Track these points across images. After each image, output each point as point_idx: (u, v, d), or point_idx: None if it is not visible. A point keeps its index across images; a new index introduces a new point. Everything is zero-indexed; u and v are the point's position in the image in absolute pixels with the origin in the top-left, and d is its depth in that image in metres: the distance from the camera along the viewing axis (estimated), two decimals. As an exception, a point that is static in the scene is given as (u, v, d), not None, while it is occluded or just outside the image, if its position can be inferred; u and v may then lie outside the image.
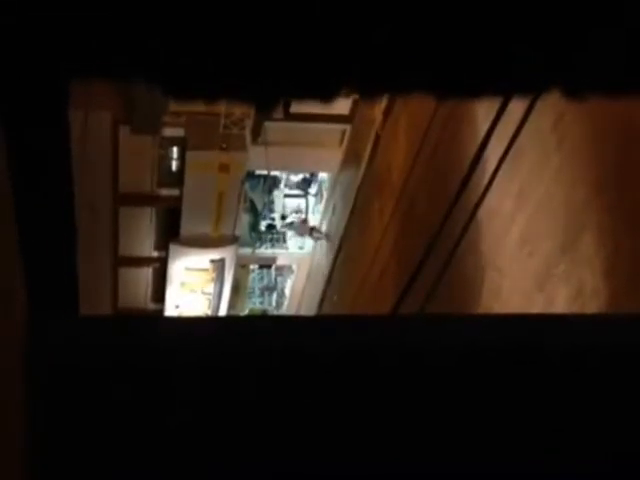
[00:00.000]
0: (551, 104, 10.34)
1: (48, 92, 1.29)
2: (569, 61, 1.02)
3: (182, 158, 19.64)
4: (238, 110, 18.86)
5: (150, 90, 1.02)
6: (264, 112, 15.63)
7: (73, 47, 0.94)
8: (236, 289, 23.91)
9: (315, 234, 22.71)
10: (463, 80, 1.00)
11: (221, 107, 18.58)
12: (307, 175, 24.24)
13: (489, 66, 1.00)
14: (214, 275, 22.32)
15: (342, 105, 19.32)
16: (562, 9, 1.01)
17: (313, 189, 24.01)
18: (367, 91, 1.04)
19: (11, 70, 1.01)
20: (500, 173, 11.69)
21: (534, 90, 1.12)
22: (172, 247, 21.04)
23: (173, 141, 19.64)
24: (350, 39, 0.94)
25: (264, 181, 23.00)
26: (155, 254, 21.58)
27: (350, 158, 20.17)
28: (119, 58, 0.95)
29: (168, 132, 19.13)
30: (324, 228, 22.58)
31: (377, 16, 0.94)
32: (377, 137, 18.21)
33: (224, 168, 19.52)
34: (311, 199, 23.80)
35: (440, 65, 0.98)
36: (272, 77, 0.96)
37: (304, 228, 22.69)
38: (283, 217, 23.63)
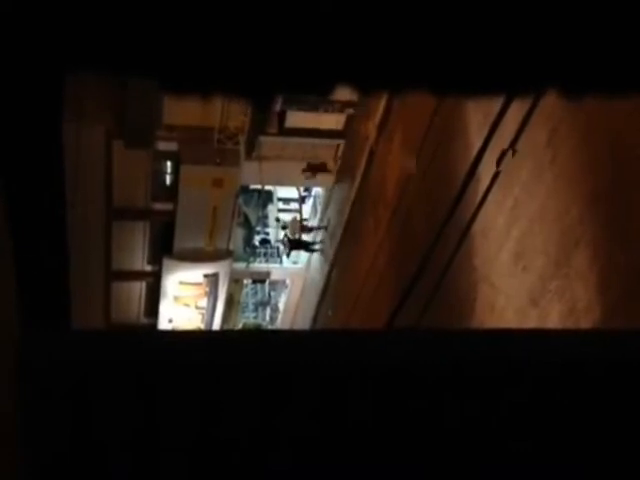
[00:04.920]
0: (545, 119, 10.37)
1: (44, 92, 1.29)
2: (566, 61, 1.02)
3: (176, 172, 19.65)
4: (232, 124, 18.88)
5: (146, 84, 1.02)
6: (260, 106, 15.59)
7: (69, 39, 0.94)
8: (230, 303, 23.88)
9: (308, 244, 22.61)
10: (461, 77, 1.00)
11: (215, 121, 18.60)
12: (301, 190, 24.25)
13: (487, 63, 1.00)
14: (207, 289, 22.29)
15: (336, 120, 19.37)
16: (559, 10, 1.02)
17: (307, 204, 24.01)
18: (364, 86, 1.04)
19: (7, 66, 1.01)
20: (494, 188, 11.71)
21: (531, 89, 1.12)
22: (166, 261, 21.02)
23: (167, 155, 19.65)
24: (348, 33, 0.94)
25: (258, 196, 23.00)
26: (148, 268, 21.55)
27: (345, 173, 20.19)
28: (115, 50, 0.95)
29: (162, 146, 19.14)
30: (317, 244, 22.55)
31: (376, 12, 0.94)
32: (371, 152, 18.24)
33: (218, 183, 19.54)
34: (305, 214, 23.79)
35: (438, 61, 0.98)
36: (268, 70, 0.96)
37: (296, 226, 22.46)
38: (284, 227, 23.56)
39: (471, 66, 1.02)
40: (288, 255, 23.11)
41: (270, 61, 0.96)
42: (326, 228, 22.01)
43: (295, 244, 22.55)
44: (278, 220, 23.63)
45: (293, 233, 22.53)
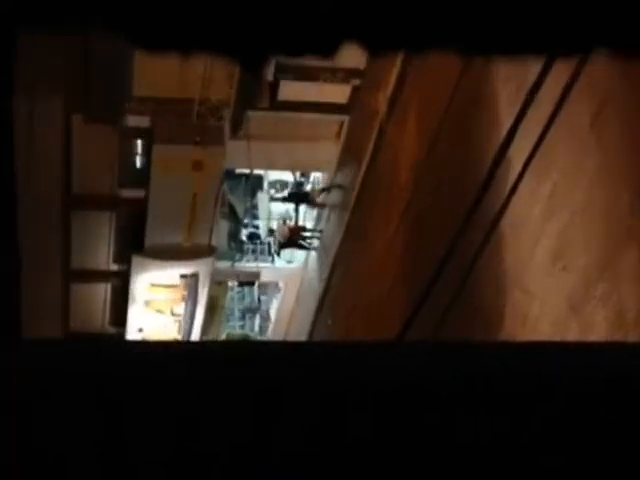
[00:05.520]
0: (590, 92, 10.36)
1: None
2: (620, 14, 1.00)
3: (148, 153, 19.67)
4: (215, 96, 18.89)
5: (114, 39, 1.00)
6: (251, 71, 15.65)
7: None
8: (212, 310, 23.92)
9: (302, 240, 22.65)
10: (494, 33, 0.98)
11: (195, 92, 18.61)
12: (298, 175, 24.26)
13: (525, 17, 0.98)
14: (185, 293, 22.34)
15: (339, 92, 19.38)
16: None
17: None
18: (375, 45, 1.02)
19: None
20: (527, 174, 11.72)
21: (577, 49, 1.10)
22: (135, 259, 21.06)
23: (137, 132, 19.66)
24: None
25: (246, 182, 23.04)
26: (115, 267, 21.58)
27: (349, 155, 20.21)
28: (76, 1, 0.93)
29: (131, 121, 19.16)
30: (313, 239, 22.59)
31: None
32: (381, 131, 18.25)
33: (198, 165, 19.56)
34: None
35: (466, 13, 0.96)
36: (260, 25, 0.94)
37: (284, 231, 22.58)
38: (271, 231, 23.65)
39: (506, 20, 1.01)
40: (278, 253, 23.19)
41: (264, 13, 0.95)
42: (321, 232, 22.15)
43: (286, 243, 22.64)
44: (271, 232, 23.68)
45: (283, 238, 22.61)
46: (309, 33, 0.99)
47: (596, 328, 10.08)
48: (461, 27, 0.98)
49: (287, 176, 24.47)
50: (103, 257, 21.33)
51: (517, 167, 11.89)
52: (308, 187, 23.79)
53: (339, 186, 21.07)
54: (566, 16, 1.01)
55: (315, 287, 22.36)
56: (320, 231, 22.30)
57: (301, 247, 22.87)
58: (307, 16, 0.97)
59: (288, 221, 23.37)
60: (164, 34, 0.94)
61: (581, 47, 1.08)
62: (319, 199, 22.31)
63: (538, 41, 1.02)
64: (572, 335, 10.44)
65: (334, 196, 21.43)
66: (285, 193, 24.17)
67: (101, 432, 1.68)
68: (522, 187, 11.87)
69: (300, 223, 22.92)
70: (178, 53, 0.96)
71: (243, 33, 0.96)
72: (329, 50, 1.03)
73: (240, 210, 23.44)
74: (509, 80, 12.33)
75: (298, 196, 22.71)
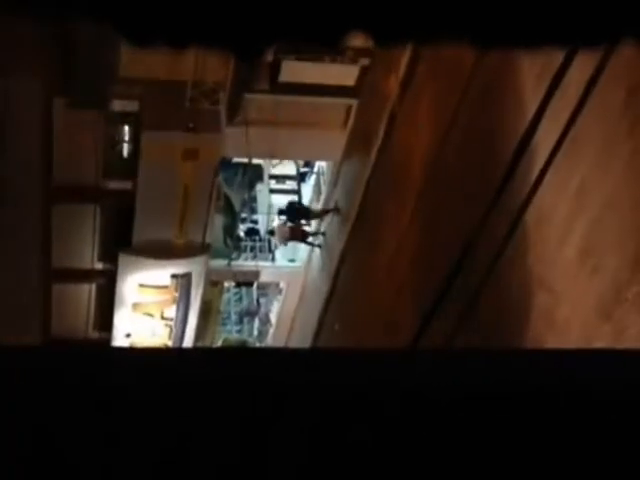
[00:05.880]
0: (621, 75, 10.36)
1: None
2: None
3: (136, 140, 19.66)
4: (210, 78, 18.88)
5: (101, 32, 1.02)
6: (247, 61, 15.58)
7: None
8: (206, 313, 23.91)
9: (310, 239, 22.71)
10: (511, 24, 0.99)
11: (188, 74, 18.60)
12: (300, 165, 24.25)
13: (546, 6, 0.99)
14: (177, 295, 22.33)
15: (347, 73, 19.36)
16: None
17: (308, 183, 24.03)
18: (384, 35, 1.03)
19: None
20: (554, 165, 11.71)
21: (603, 41, 1.11)
22: (122, 257, 21.06)
23: (124, 117, 19.66)
24: None
25: (244, 172, 23.01)
26: (99, 266, 21.59)
27: (357, 143, 20.20)
28: None
29: (118, 106, 19.15)
30: (321, 235, 22.61)
31: None
32: (392, 116, 18.24)
33: (191, 154, 19.55)
34: (305, 196, 23.83)
35: (482, 3, 0.96)
36: (257, 13, 0.94)
37: (284, 232, 22.61)
38: (271, 232, 23.65)
39: (524, 9, 1.02)
40: (280, 244, 23.25)
41: (260, 1, 0.96)
42: (324, 234, 22.21)
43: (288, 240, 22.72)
44: (271, 233, 23.79)
45: (283, 240, 22.64)
46: (311, 21, 1.00)
47: (629, 333, 10.09)
48: (474, 16, 0.99)
49: (289, 167, 24.46)
50: (87, 255, 21.33)
51: (542, 156, 11.89)
52: (308, 176, 23.78)
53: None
54: (590, 4, 1.03)
55: (320, 288, 22.36)
56: (323, 234, 22.38)
57: (306, 243, 22.93)
58: (309, 2, 0.98)
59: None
60: (154, 29, 0.95)
61: (607, 38, 1.09)
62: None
63: (560, 32, 1.04)
64: (603, 340, 10.45)
65: (339, 189, 21.42)
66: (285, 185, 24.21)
67: (101, 435, 1.71)
68: (548, 179, 11.87)
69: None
70: (169, 47, 0.98)
71: (239, 24, 0.98)
72: (332, 40, 1.04)
73: (237, 203, 23.40)
74: (534, 61, 12.32)
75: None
